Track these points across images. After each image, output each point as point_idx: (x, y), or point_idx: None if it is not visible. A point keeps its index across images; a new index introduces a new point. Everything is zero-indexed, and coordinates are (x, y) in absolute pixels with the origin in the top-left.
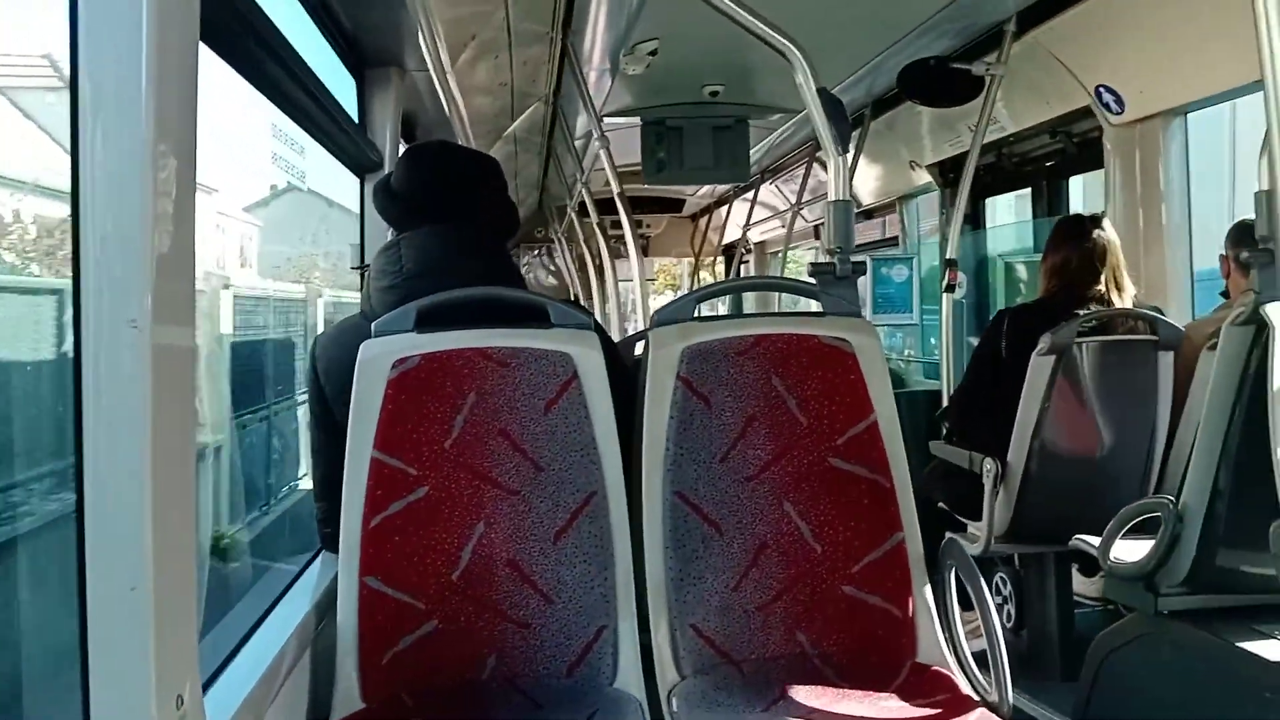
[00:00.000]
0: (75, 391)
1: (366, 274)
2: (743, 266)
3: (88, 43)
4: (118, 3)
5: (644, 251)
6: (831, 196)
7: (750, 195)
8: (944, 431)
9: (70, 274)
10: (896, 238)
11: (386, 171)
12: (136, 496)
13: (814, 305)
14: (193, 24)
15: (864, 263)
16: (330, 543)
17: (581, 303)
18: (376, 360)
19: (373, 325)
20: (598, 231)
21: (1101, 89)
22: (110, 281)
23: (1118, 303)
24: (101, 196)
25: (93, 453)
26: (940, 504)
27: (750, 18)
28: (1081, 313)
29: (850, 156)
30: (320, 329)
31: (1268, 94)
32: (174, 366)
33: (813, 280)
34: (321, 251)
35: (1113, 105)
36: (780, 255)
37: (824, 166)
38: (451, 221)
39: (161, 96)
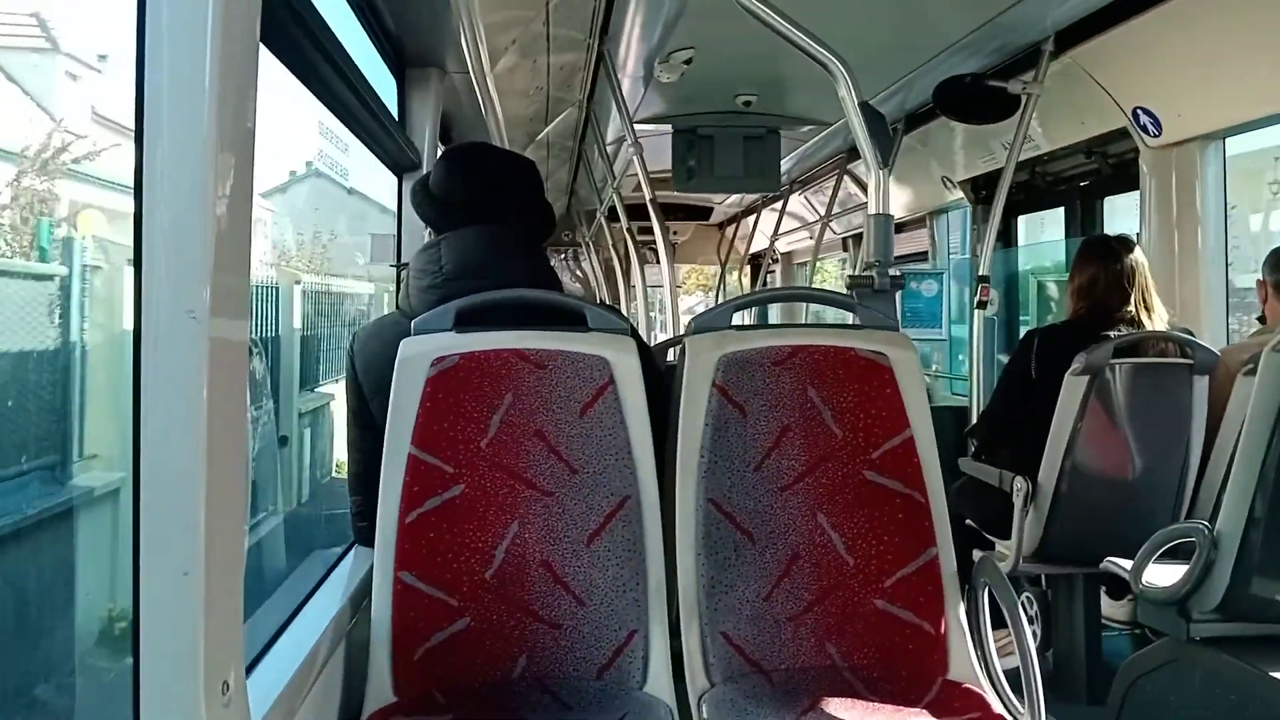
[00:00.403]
0: (134, 380)
1: (405, 272)
2: (769, 277)
3: (153, 40)
4: (183, 2)
5: (672, 258)
6: (871, 210)
7: (778, 205)
8: (972, 449)
9: (132, 266)
10: (926, 252)
11: (424, 171)
12: (192, 484)
13: (843, 317)
14: (254, 24)
15: (902, 277)
16: (364, 537)
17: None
18: (416, 358)
19: (412, 323)
20: (627, 236)
21: (1139, 111)
22: (170, 273)
23: (1147, 324)
24: (164, 191)
25: (150, 440)
26: (968, 521)
27: (792, 29)
28: (1113, 334)
29: (889, 170)
30: (296, 322)
31: None
32: (229, 358)
33: (850, 293)
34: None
35: (1150, 127)
36: (807, 266)
37: (854, 179)
38: (490, 223)
39: (223, 95)
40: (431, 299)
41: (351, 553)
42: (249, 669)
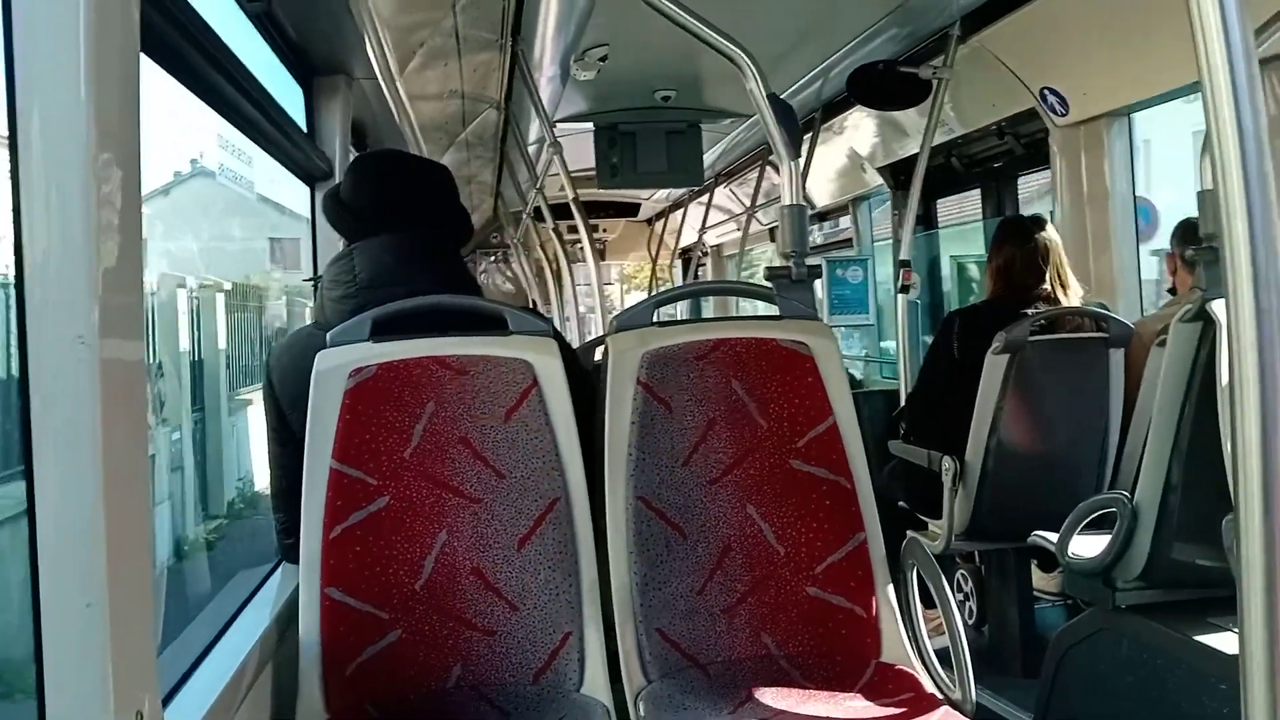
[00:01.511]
0: (22, 408)
1: (320, 284)
2: (699, 270)
3: (24, 53)
4: (55, 12)
5: (601, 256)
6: (785, 201)
7: (705, 199)
8: (902, 431)
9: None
10: (850, 239)
11: (337, 180)
12: (90, 512)
13: (772, 309)
14: (133, 34)
15: (819, 266)
16: (290, 554)
17: (540, 308)
18: (333, 370)
19: (328, 335)
20: (554, 237)
21: (1046, 91)
22: (55, 297)
23: (1064, 301)
24: (43, 210)
25: (44, 469)
26: (900, 503)
27: (699, 24)
28: (1030, 311)
29: (803, 160)
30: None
31: (1205, 95)
32: (124, 380)
33: (769, 284)
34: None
35: (1057, 107)
36: (736, 258)
37: (777, 170)
38: (404, 230)
39: (102, 107)
40: (346, 309)
41: (278, 571)
42: (170, 695)
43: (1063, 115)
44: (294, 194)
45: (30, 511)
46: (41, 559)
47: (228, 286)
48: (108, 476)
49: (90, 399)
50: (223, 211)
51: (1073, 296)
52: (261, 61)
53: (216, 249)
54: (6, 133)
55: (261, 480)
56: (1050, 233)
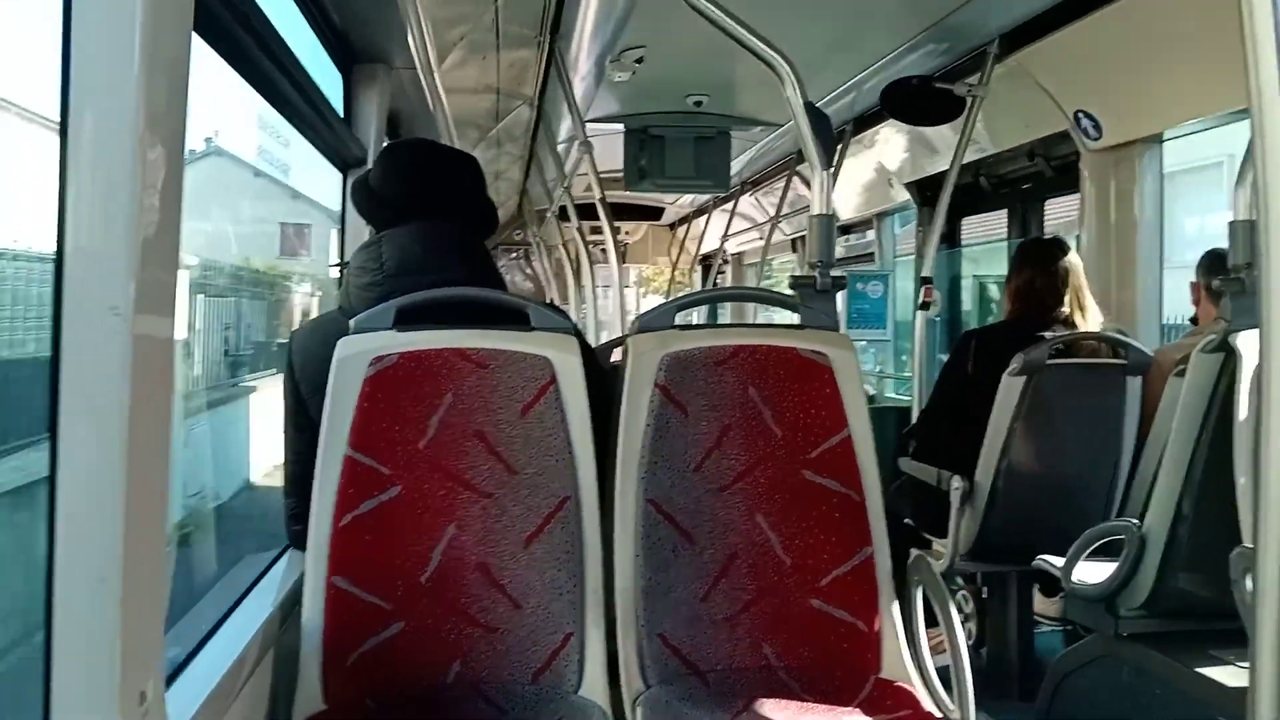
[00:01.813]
0: (52, 378)
1: (345, 270)
2: (719, 277)
3: (80, 28)
4: None
5: (621, 258)
6: (814, 210)
7: (729, 206)
8: (911, 448)
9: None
10: (873, 253)
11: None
12: (111, 486)
13: (791, 318)
14: (186, 13)
15: (844, 277)
16: (298, 540)
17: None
18: (354, 357)
19: (351, 322)
20: (577, 236)
21: (1080, 114)
22: (93, 268)
23: (1081, 325)
24: (88, 182)
25: (68, 440)
26: (906, 520)
27: (739, 29)
28: (1048, 334)
29: (833, 171)
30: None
31: (1254, 121)
32: (154, 356)
33: (793, 293)
34: None
35: (1090, 130)
36: (757, 267)
37: (804, 180)
38: (432, 220)
39: (152, 85)
40: (371, 297)
41: (285, 557)
42: (172, 678)
43: (1095, 139)
44: (309, 177)
45: (51, 481)
46: (59, 529)
47: (193, 261)
48: (131, 452)
49: (120, 372)
50: (235, 193)
51: (1091, 321)
52: (304, 46)
53: (222, 231)
54: (59, 106)
55: (227, 494)
56: (1072, 257)
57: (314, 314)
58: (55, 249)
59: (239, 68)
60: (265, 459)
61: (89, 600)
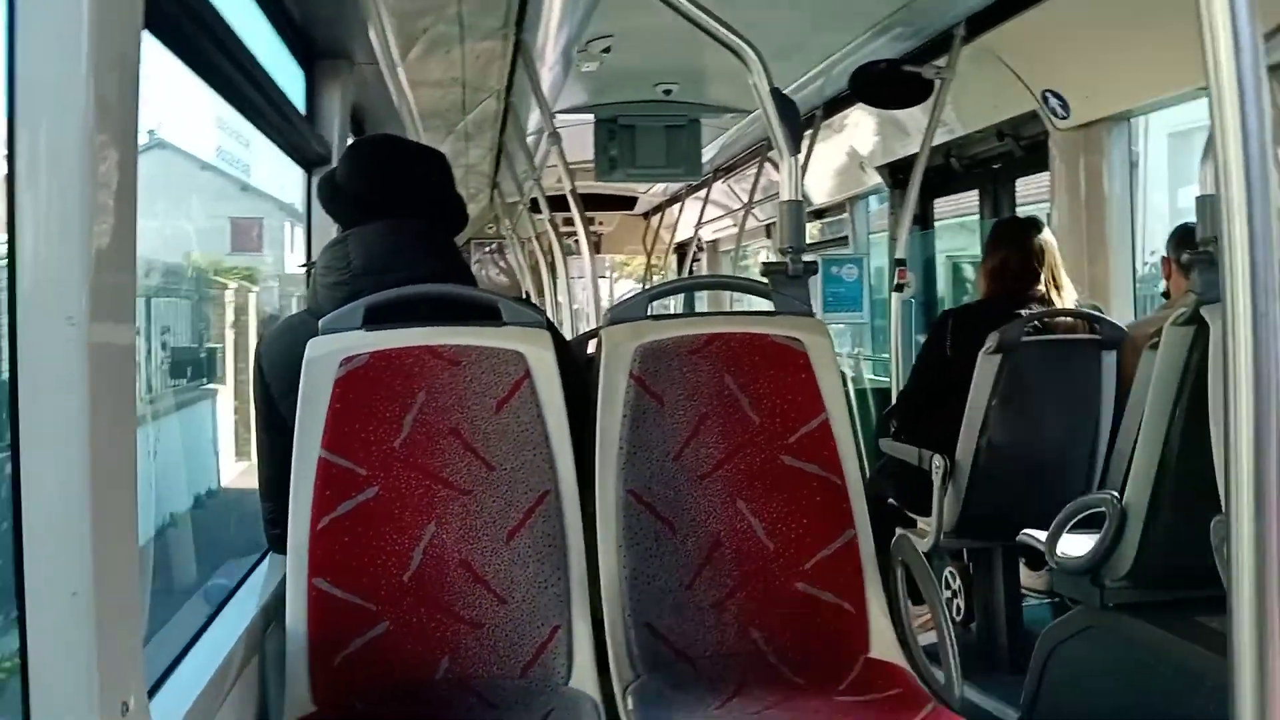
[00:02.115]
0: (10, 390)
1: (313, 270)
2: (694, 265)
3: (25, 28)
4: None
5: (596, 249)
6: (783, 196)
7: (702, 194)
8: (892, 429)
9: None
10: (846, 237)
11: (334, 166)
12: (76, 498)
13: (766, 304)
14: (136, 11)
15: (816, 262)
16: (277, 544)
17: (533, 300)
18: (324, 358)
19: (320, 322)
20: (550, 228)
21: (1048, 94)
22: (47, 277)
23: (1057, 302)
24: (39, 188)
25: (30, 453)
26: (890, 500)
27: (705, 16)
28: (1024, 312)
29: (802, 157)
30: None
31: (1212, 98)
32: (113, 364)
33: (765, 280)
34: None
35: (1058, 110)
36: (732, 254)
37: (776, 167)
38: (399, 217)
39: (102, 86)
40: (339, 296)
41: (265, 561)
42: (155, 687)
43: (1064, 118)
44: (264, 171)
45: (15, 496)
46: (27, 544)
47: None
48: (95, 463)
49: (79, 382)
50: (180, 188)
51: (1066, 299)
52: (263, 43)
53: (164, 228)
54: (5, 110)
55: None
56: (1046, 235)
57: (260, 312)
58: (8, 257)
59: (195, 67)
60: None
61: (62, 615)
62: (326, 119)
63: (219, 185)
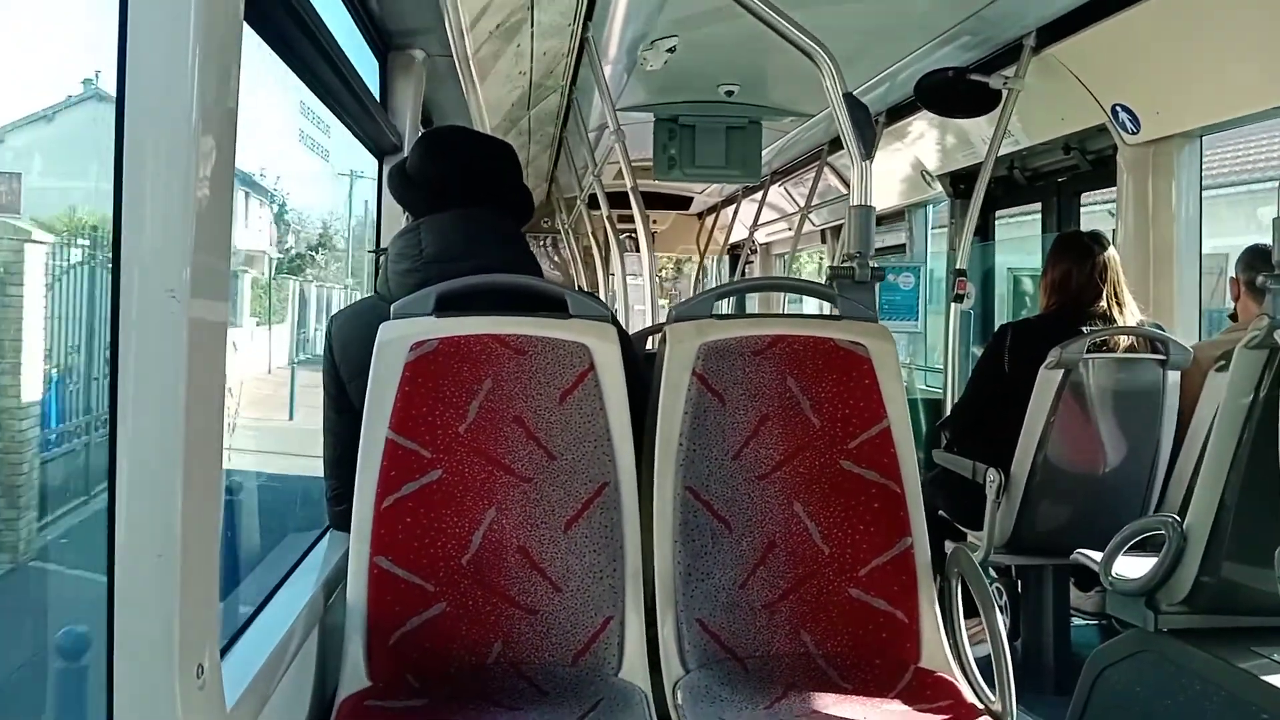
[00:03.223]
0: (112, 360)
1: (384, 257)
2: (747, 267)
3: (136, 19)
4: None
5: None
6: (853, 201)
7: (758, 196)
8: (944, 440)
9: (111, 245)
10: (904, 245)
11: (405, 154)
12: (169, 464)
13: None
14: (237, 5)
15: (883, 269)
16: (339, 521)
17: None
18: (395, 342)
19: (392, 307)
20: (608, 224)
21: (1118, 108)
22: (151, 252)
23: (1119, 320)
24: (146, 170)
25: (128, 420)
26: (941, 512)
27: (778, 18)
28: (1085, 329)
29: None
30: None
31: None
32: (209, 338)
33: (830, 284)
34: None
35: (1128, 124)
36: (785, 258)
37: (834, 171)
38: (470, 207)
39: (205, 74)
40: (411, 283)
41: (326, 537)
42: (222, 653)
43: (1133, 133)
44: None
45: (111, 461)
46: (119, 507)
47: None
48: (188, 431)
49: (177, 355)
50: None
51: (1128, 316)
52: (342, 33)
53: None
54: (115, 96)
55: None
56: (1110, 250)
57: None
58: (113, 234)
59: (284, 55)
60: None
61: (148, 576)
62: (399, 109)
63: None
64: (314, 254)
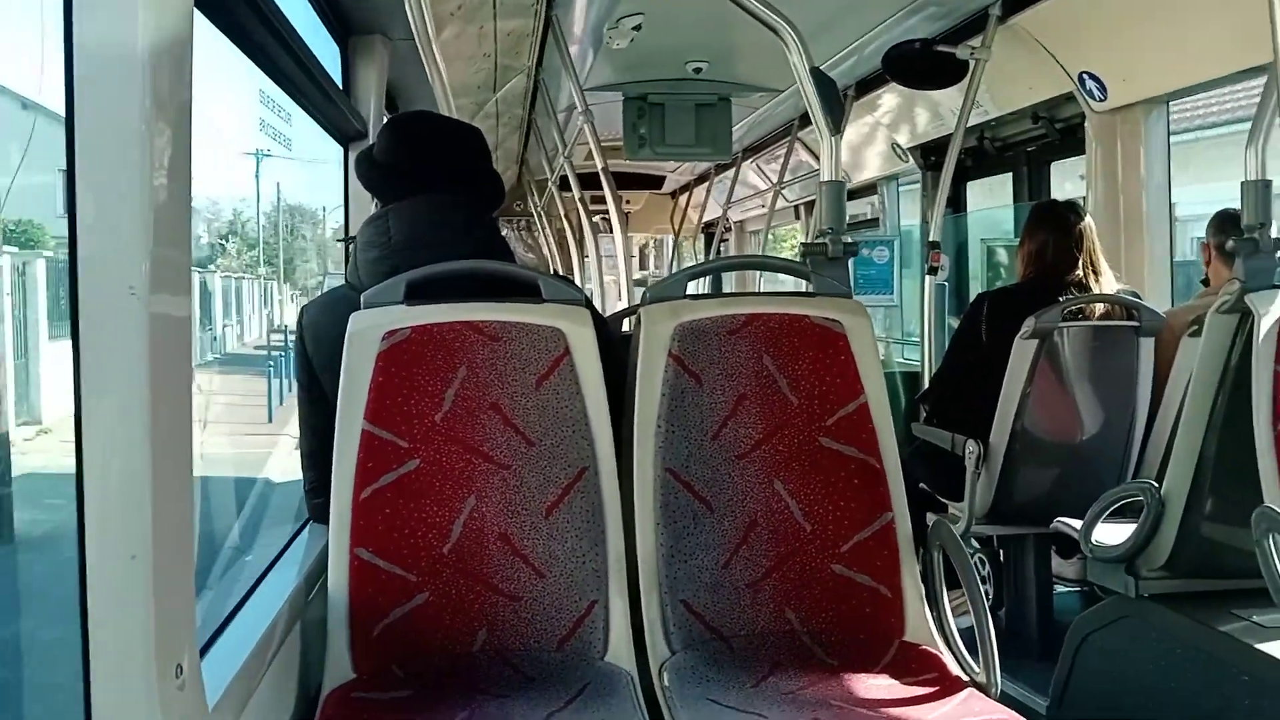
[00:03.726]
0: (74, 359)
1: (352, 245)
2: (722, 245)
3: (83, 7)
4: None
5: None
6: (823, 177)
7: (731, 174)
8: (923, 413)
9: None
10: (877, 219)
11: (371, 141)
12: (137, 464)
13: (794, 285)
14: None
15: (856, 244)
16: (319, 514)
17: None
18: (366, 332)
19: (362, 296)
20: (580, 206)
21: (1085, 75)
22: (109, 248)
23: (1095, 288)
24: (99, 163)
25: (92, 420)
26: (921, 484)
27: None
28: (1061, 298)
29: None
30: None
31: (1274, 80)
32: (172, 334)
33: (803, 260)
34: None
35: (1096, 92)
36: (760, 235)
37: (806, 146)
38: (438, 192)
39: (157, 61)
40: (381, 271)
41: (306, 530)
42: (202, 651)
43: (1101, 100)
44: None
45: (78, 461)
46: (88, 510)
47: None
48: (154, 429)
49: (139, 350)
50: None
51: (1105, 285)
52: (300, 19)
53: None
54: (64, 87)
55: None
56: (1086, 219)
57: None
58: (69, 230)
59: (239, 42)
60: None
61: (121, 578)
62: (363, 95)
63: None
64: (224, 243)
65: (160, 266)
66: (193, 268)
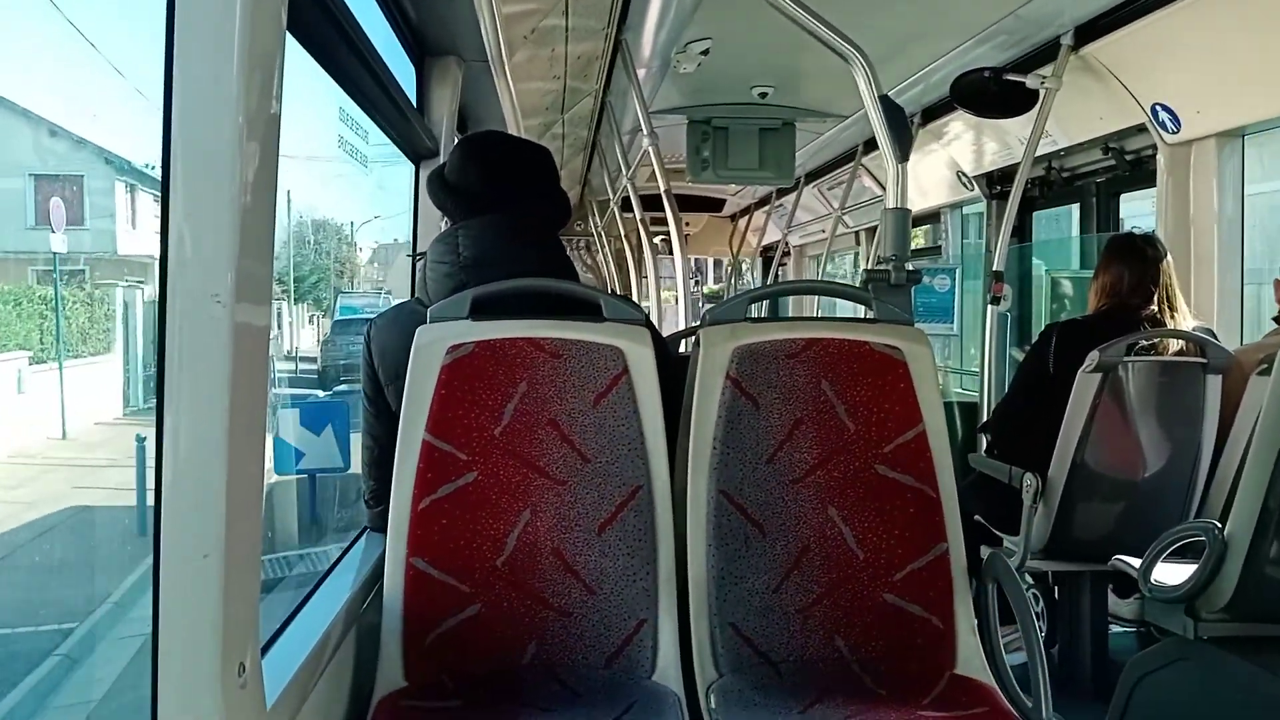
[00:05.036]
0: (159, 362)
1: (422, 261)
2: (780, 269)
3: (183, 29)
4: None
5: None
6: (889, 204)
7: (792, 198)
8: (983, 444)
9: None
10: (940, 247)
11: (441, 160)
12: (214, 466)
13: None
14: (280, 12)
15: (919, 272)
16: (377, 522)
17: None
18: (432, 345)
19: (429, 311)
20: (641, 227)
21: (1158, 107)
22: (197, 257)
23: (1170, 325)
24: (192, 176)
25: (173, 422)
26: (977, 517)
27: (812, 20)
28: (1132, 332)
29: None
30: None
31: None
32: (252, 343)
33: (865, 287)
34: None
35: (1168, 124)
36: (819, 260)
37: (869, 173)
38: (507, 211)
39: (249, 82)
40: (449, 287)
41: (363, 538)
42: (262, 651)
43: (1173, 133)
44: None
45: (158, 462)
46: (165, 508)
47: None
48: (232, 433)
49: (222, 357)
50: None
51: (1180, 322)
52: (379, 39)
53: None
54: (162, 105)
55: None
56: (1165, 255)
57: None
58: (160, 240)
59: (323, 62)
60: None
61: (193, 576)
62: (436, 114)
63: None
64: None
65: (245, 277)
66: None
